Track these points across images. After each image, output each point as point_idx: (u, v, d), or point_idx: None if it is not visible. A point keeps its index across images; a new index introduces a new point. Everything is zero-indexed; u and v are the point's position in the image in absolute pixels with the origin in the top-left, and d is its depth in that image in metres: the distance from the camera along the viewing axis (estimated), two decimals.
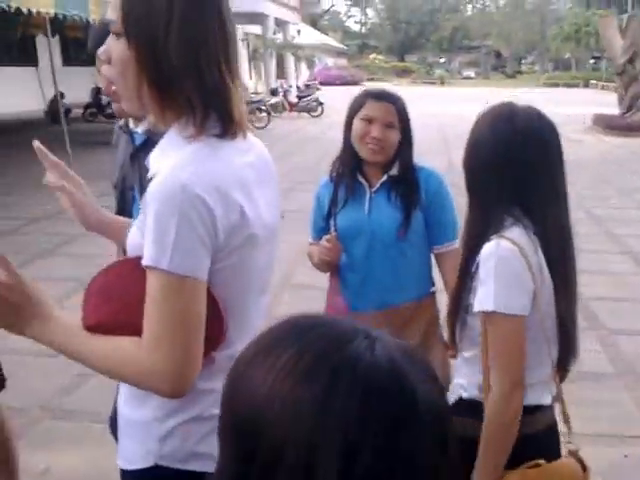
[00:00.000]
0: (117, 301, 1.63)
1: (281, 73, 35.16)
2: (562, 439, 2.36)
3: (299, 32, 37.49)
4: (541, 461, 2.19)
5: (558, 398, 2.34)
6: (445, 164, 11.69)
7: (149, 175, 1.65)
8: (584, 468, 2.29)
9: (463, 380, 2.36)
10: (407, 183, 3.07)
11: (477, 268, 2.20)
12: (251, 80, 34.71)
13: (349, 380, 0.82)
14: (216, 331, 1.62)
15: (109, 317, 1.62)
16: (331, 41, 55.29)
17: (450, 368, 2.77)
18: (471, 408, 2.26)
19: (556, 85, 57.79)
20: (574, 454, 2.30)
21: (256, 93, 27.90)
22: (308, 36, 41.49)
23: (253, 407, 0.85)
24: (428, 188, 3.08)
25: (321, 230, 3.21)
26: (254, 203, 1.65)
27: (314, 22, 57.64)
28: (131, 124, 2.78)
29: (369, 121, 3.01)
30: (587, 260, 7.63)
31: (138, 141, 2.74)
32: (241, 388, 0.89)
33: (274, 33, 33.09)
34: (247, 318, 1.74)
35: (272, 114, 25.20)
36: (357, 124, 3.04)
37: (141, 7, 1.57)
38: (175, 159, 1.57)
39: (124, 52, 1.60)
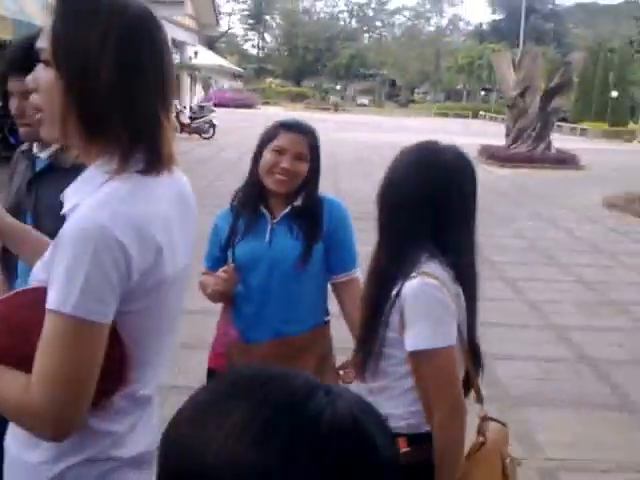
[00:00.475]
0: (16, 333, 1.55)
1: (176, 94, 34.79)
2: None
3: (196, 54, 37.27)
4: (481, 439, 2.37)
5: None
6: (332, 190, 11.73)
7: (63, 211, 1.57)
8: (502, 424, 2.53)
9: None
10: (310, 215, 3.04)
11: (393, 304, 2.25)
12: None
13: (311, 442, 0.75)
14: (117, 374, 1.56)
15: (6, 348, 1.54)
16: (227, 64, 55.15)
17: None
18: None
19: (446, 115, 59.40)
20: (487, 417, 2.49)
21: None
22: (205, 58, 41.35)
23: (197, 474, 0.76)
24: (331, 218, 3.06)
25: (216, 260, 3.15)
26: (173, 243, 1.59)
27: (211, 44, 57.45)
28: (35, 149, 2.69)
29: (280, 152, 2.96)
30: None
31: (39, 167, 2.66)
32: (183, 450, 0.78)
33: None
34: (152, 358, 1.67)
35: None
36: (267, 155, 2.98)
37: (73, 37, 1.51)
38: (94, 197, 1.50)
39: (53, 82, 1.52)
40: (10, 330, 1.56)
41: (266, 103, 57.95)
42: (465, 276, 2.32)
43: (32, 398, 1.45)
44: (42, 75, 1.56)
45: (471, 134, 34.52)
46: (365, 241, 2.42)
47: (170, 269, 1.57)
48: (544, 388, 5.83)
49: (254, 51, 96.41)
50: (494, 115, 50.79)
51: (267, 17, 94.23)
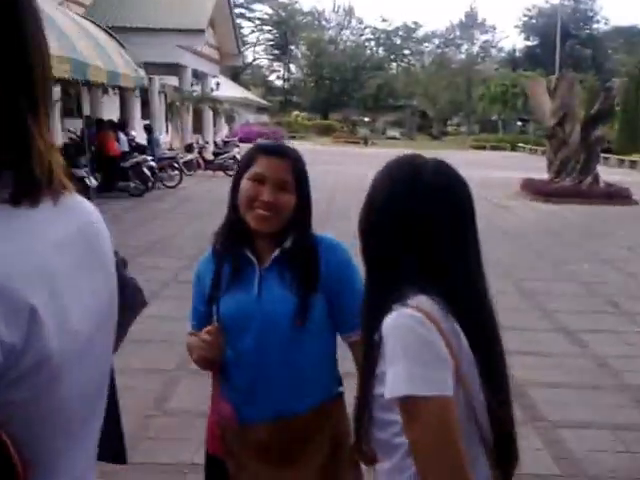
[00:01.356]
0: None
1: (198, 128, 33.73)
2: None
3: (218, 85, 36.22)
4: None
5: None
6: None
7: None
8: None
9: None
10: (304, 259, 2.62)
11: (379, 350, 1.82)
12: (167, 135, 33.23)
13: None
14: None
15: None
16: (252, 96, 54.33)
17: None
18: None
19: (483, 147, 58.10)
20: None
21: (171, 149, 26.33)
22: (228, 90, 40.39)
23: None
24: (330, 263, 2.65)
25: (202, 317, 2.72)
26: (59, 303, 1.16)
27: (235, 76, 56.72)
28: None
29: (259, 181, 2.56)
30: (517, 339, 7.18)
31: None
32: None
33: (192, 85, 31.74)
34: (58, 460, 1.22)
35: (185, 172, 23.92)
36: (245, 185, 2.58)
37: None
38: None
39: None
40: None
41: (293, 137, 56.93)
42: (465, 313, 1.84)
43: None
44: None
45: (511, 168, 33.63)
46: None
47: (55, 342, 1.15)
48: (627, 464, 4.98)
49: (279, 83, 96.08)
50: (534, 147, 49.35)
51: (292, 47, 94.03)
